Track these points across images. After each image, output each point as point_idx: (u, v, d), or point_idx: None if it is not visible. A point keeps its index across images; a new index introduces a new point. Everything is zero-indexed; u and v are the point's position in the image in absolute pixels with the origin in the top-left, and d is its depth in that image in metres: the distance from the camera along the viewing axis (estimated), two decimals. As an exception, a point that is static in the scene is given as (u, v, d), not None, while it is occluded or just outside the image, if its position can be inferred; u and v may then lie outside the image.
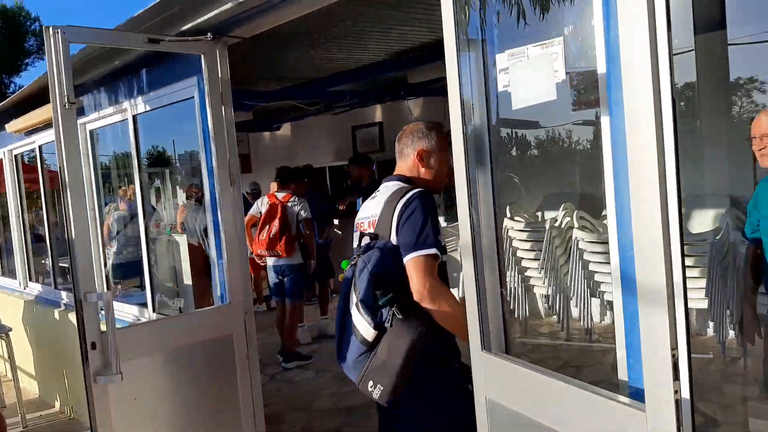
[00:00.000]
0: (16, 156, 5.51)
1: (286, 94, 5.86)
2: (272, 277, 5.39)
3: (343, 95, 6.07)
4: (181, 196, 6.67)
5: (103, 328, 2.41)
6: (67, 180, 2.37)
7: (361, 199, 6.00)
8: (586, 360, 4.55)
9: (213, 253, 3.09)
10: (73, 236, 2.38)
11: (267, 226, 5.18)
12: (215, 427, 2.94)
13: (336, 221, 7.00)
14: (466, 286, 1.80)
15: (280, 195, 5.37)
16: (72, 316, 4.41)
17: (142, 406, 2.69)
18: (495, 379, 1.72)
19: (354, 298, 1.93)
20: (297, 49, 4.27)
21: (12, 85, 24.50)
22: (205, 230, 5.69)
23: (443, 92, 5.36)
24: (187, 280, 5.90)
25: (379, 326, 1.89)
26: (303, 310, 5.55)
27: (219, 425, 2.95)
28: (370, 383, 1.94)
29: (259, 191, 7.89)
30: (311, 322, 6.08)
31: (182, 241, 6.11)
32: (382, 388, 1.91)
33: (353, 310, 1.93)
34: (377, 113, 7.80)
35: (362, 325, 1.90)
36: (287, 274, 5.31)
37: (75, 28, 2.45)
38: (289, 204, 5.29)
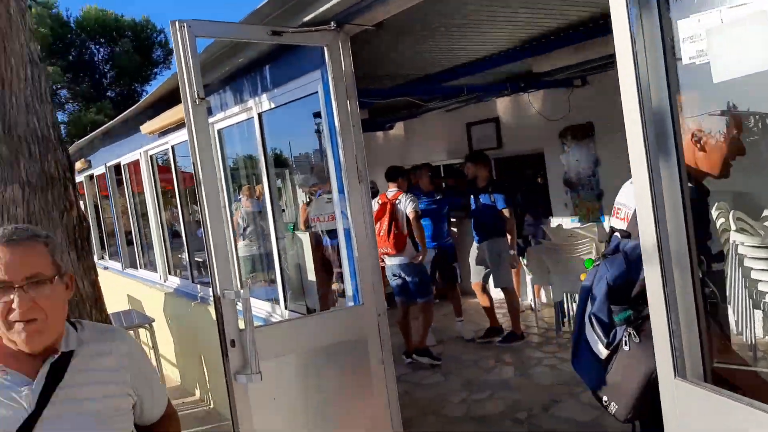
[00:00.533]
0: (151, 156, 5.81)
1: (401, 90, 5.73)
2: (392, 278, 5.29)
3: (459, 90, 5.85)
4: (301, 195, 6.78)
5: (241, 325, 2.38)
6: (201, 177, 2.35)
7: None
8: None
9: (343, 252, 2.99)
10: (210, 234, 2.36)
11: (377, 225, 5.11)
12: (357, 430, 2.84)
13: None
14: (650, 301, 1.53)
15: (391, 193, 5.28)
16: (208, 309, 4.55)
17: (279, 407, 2.63)
18: (692, 414, 1.43)
19: (589, 307, 1.72)
20: (413, 42, 4.10)
21: (143, 94, 26.54)
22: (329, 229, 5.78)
23: (567, 83, 4.99)
24: (311, 277, 5.98)
25: (611, 346, 1.67)
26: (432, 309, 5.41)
27: (356, 428, 2.85)
28: (605, 398, 1.75)
29: (376, 190, 7.88)
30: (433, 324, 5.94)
31: (305, 238, 6.19)
32: (617, 407, 1.69)
33: (587, 321, 1.72)
34: (494, 108, 7.50)
35: (594, 341, 1.68)
36: (407, 273, 5.20)
37: (200, 22, 2.43)
38: (397, 201, 5.19)
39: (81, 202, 3.05)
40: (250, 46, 3.21)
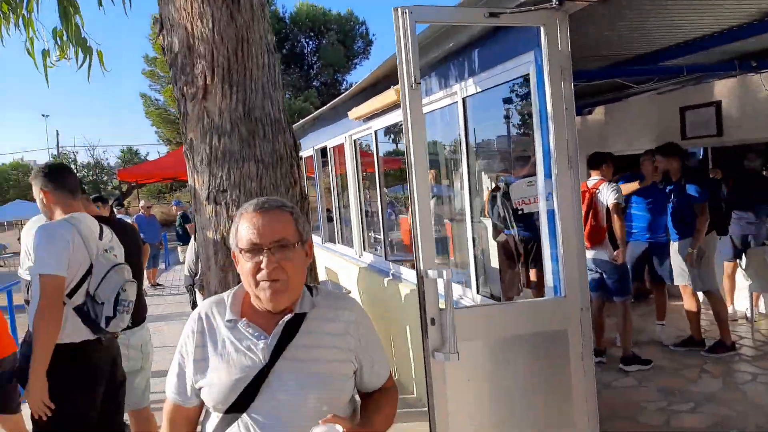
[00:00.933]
0: (354, 141, 6.17)
1: (609, 72, 5.35)
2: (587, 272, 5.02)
3: (676, 71, 5.29)
4: (486, 181, 6.74)
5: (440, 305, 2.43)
6: (412, 159, 2.43)
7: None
8: None
9: (546, 241, 2.89)
10: (417, 214, 2.44)
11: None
12: (545, 426, 2.77)
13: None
14: None
15: (592, 182, 4.97)
16: (399, 287, 4.74)
17: (473, 390, 2.66)
18: None
19: None
20: (635, 17, 3.78)
21: (343, 83, 28.33)
22: (514, 217, 5.67)
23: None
24: (494, 264, 5.93)
25: None
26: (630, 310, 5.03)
27: (549, 424, 2.77)
28: None
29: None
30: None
31: (488, 225, 6.16)
32: None
33: None
34: (714, 91, 6.69)
35: None
36: (604, 270, 4.90)
37: (420, 8, 2.48)
38: (598, 191, 4.86)
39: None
40: (462, 30, 3.21)
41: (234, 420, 1.49)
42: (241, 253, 1.48)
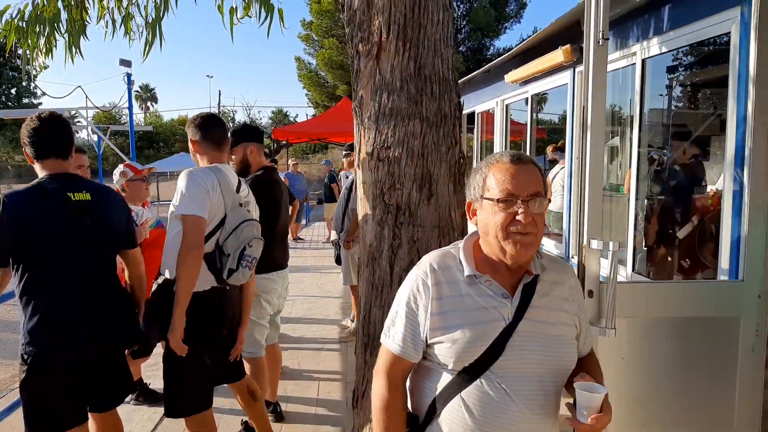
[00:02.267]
0: (507, 105, 5.99)
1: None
2: None
3: None
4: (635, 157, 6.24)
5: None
6: (589, 122, 2.29)
7: None
8: None
9: (727, 219, 2.63)
10: (588, 181, 2.31)
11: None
12: (703, 416, 2.57)
13: None
14: None
15: None
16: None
17: (629, 369, 2.52)
18: None
19: None
20: None
21: (491, 48, 27.54)
22: (674, 193, 5.22)
23: None
24: (641, 242, 5.52)
25: None
26: None
27: (708, 414, 2.57)
28: None
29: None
30: None
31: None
32: None
33: None
34: None
35: None
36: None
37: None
38: None
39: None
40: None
41: (470, 380, 1.46)
42: (493, 202, 1.46)
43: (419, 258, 2.90)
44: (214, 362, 2.89)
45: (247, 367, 3.34)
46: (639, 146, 3.42)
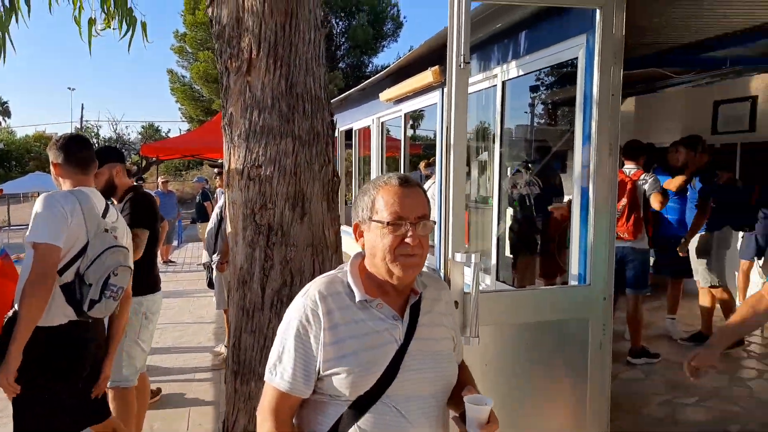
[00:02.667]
0: (382, 123, 6.14)
1: (649, 61, 5.23)
2: None
3: (717, 62, 5.17)
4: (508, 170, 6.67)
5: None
6: (452, 140, 2.40)
7: None
8: None
9: (575, 228, 2.87)
10: (452, 197, 2.41)
11: (611, 205, 4.78)
12: (558, 414, 2.77)
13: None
14: None
15: (629, 171, 4.89)
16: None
17: (491, 374, 2.65)
18: None
19: None
20: (689, 4, 3.68)
21: (370, 65, 28.14)
22: (537, 204, 5.61)
23: None
24: (507, 253, 5.88)
25: None
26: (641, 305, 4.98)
27: (562, 412, 2.78)
28: None
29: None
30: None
31: (508, 212, 6.10)
32: None
33: None
34: (751, 86, 6.56)
35: None
36: (629, 260, 4.83)
37: (475, -13, 2.44)
38: (640, 181, 4.79)
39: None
40: (513, 11, 3.15)
41: (366, 408, 1.44)
42: (382, 224, 1.46)
43: (292, 278, 2.90)
44: (76, 402, 2.66)
45: (112, 405, 3.10)
46: (500, 161, 3.64)
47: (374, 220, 1.48)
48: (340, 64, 27.70)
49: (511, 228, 5.93)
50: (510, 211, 5.98)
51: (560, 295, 2.87)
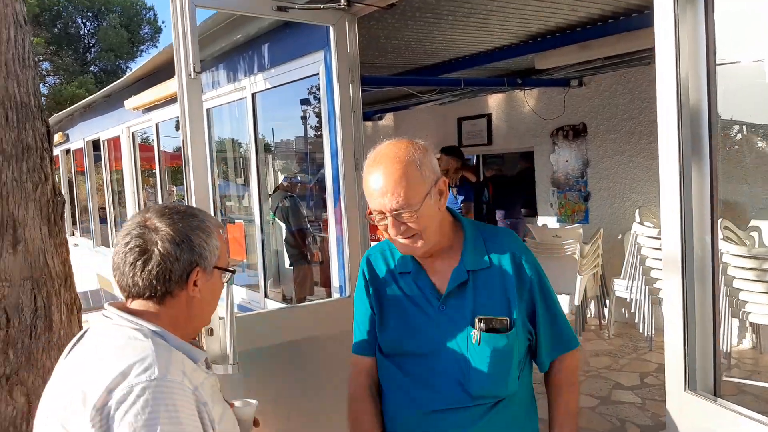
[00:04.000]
0: (133, 133, 5.60)
1: (396, 80, 5.59)
2: None
3: (455, 83, 5.73)
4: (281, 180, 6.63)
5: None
6: (189, 155, 2.20)
7: None
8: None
9: (333, 243, 2.86)
10: (194, 216, 2.21)
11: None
12: (328, 428, 2.73)
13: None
14: (666, 310, 1.46)
15: None
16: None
17: (256, 398, 2.51)
18: (700, 428, 1.37)
19: None
20: (419, 29, 3.97)
21: (127, 70, 25.99)
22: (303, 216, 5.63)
23: (564, 83, 4.88)
24: (287, 265, 5.83)
25: None
26: None
27: (331, 426, 2.73)
28: None
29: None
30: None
31: (283, 225, 6.05)
32: None
33: None
34: (487, 104, 7.41)
35: None
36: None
37: (204, -9, 2.28)
38: None
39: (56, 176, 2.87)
40: (250, 22, 3.05)
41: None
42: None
43: (8, 319, 2.42)
44: None
45: None
46: (258, 173, 3.53)
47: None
48: (92, 68, 25.18)
49: (286, 240, 5.85)
50: (282, 224, 5.90)
51: (322, 311, 2.83)
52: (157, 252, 1.13)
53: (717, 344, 1.45)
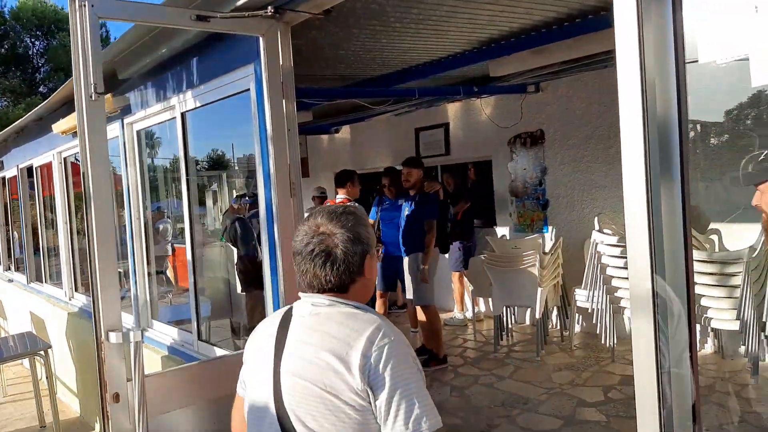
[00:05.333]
0: (65, 158, 5.21)
1: (347, 92, 5.34)
2: None
3: (409, 93, 5.52)
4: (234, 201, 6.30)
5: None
6: (90, 190, 1.90)
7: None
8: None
9: (267, 272, 2.58)
10: (97, 258, 1.90)
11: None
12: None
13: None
14: (636, 353, 1.24)
15: (339, 199, 4.89)
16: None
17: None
18: None
19: None
20: (365, 37, 3.74)
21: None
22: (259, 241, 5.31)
23: (520, 89, 4.71)
24: (239, 290, 5.49)
25: None
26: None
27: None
28: None
29: (326, 196, 7.48)
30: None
31: (234, 250, 5.71)
32: None
33: None
34: (444, 114, 7.22)
35: None
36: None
37: (106, 1, 1.99)
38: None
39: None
40: (174, 35, 2.76)
41: None
42: None
43: None
44: None
45: None
46: (188, 193, 3.23)
47: None
48: (41, 89, 24.34)
49: (236, 265, 5.50)
50: (233, 248, 5.56)
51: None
52: (339, 252, 1.34)
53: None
